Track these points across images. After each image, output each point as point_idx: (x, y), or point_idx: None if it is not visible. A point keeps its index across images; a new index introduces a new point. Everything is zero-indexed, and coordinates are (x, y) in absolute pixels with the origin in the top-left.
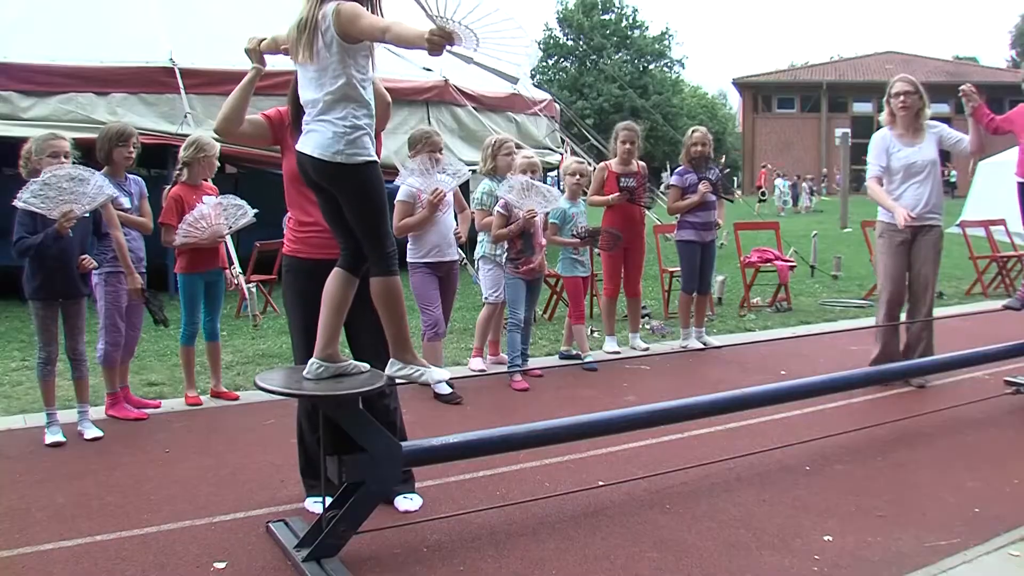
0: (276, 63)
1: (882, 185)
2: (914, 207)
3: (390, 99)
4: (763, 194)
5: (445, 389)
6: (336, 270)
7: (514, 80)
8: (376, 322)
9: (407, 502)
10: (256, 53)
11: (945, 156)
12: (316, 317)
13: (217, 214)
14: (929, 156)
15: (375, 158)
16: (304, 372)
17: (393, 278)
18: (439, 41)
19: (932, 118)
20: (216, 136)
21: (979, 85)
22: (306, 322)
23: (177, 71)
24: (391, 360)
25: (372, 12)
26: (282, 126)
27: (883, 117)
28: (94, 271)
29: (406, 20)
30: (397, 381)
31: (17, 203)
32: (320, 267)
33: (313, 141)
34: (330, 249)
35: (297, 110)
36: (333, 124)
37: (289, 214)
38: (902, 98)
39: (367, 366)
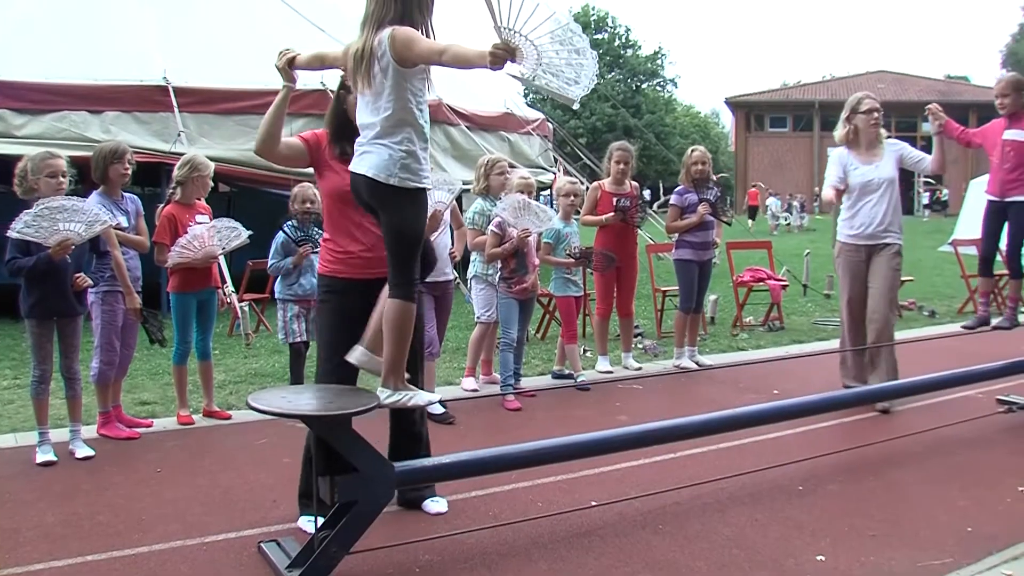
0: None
1: (840, 201)
2: (869, 225)
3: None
4: (753, 214)
5: (438, 409)
6: (390, 302)
7: (571, 102)
8: (417, 340)
9: (436, 505)
10: (287, 72)
11: (938, 177)
12: (346, 337)
13: (211, 235)
14: (886, 174)
15: (426, 185)
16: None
17: (410, 305)
18: (502, 55)
19: (924, 136)
20: (256, 154)
21: (971, 104)
22: (335, 341)
23: (171, 89)
24: (380, 387)
25: (425, 36)
26: (319, 148)
27: (839, 134)
28: (91, 289)
29: (462, 42)
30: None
31: (11, 234)
32: (358, 288)
33: (368, 162)
34: (369, 270)
35: (335, 130)
36: (389, 148)
37: (326, 235)
38: (875, 115)
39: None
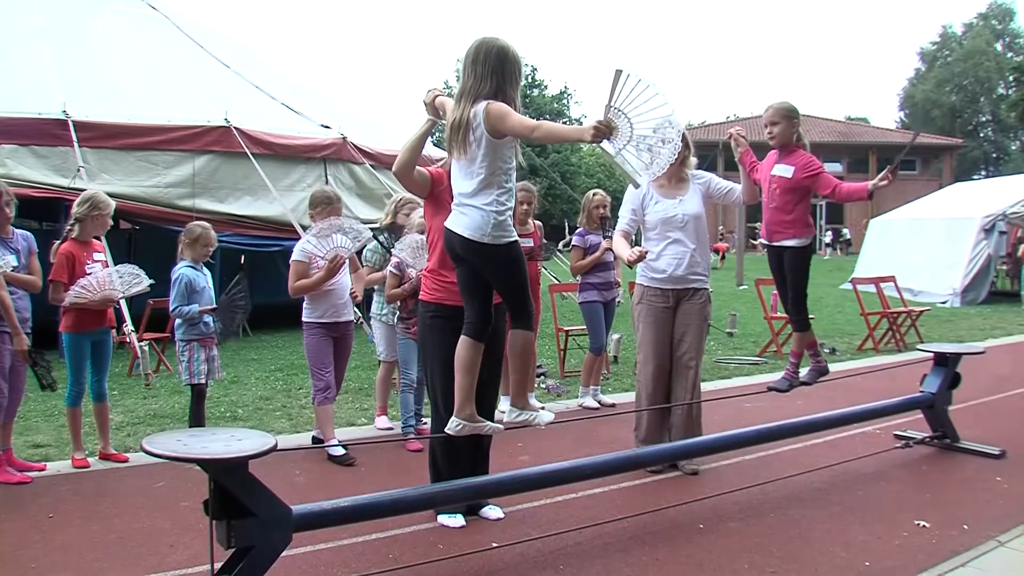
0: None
1: (633, 241)
2: (676, 267)
3: None
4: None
5: (339, 451)
6: (463, 338)
7: (636, 185)
8: (492, 379)
9: (494, 512)
10: (431, 106)
11: (840, 217)
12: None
13: (112, 279)
14: (691, 210)
15: (516, 238)
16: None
17: (531, 333)
18: (604, 132)
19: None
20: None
21: (870, 145)
22: (446, 356)
23: (71, 123)
24: (510, 407)
25: (515, 109)
26: (441, 184)
27: None
28: None
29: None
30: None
31: None
32: (460, 313)
33: (463, 223)
34: None
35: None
36: (481, 210)
37: (431, 265)
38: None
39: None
